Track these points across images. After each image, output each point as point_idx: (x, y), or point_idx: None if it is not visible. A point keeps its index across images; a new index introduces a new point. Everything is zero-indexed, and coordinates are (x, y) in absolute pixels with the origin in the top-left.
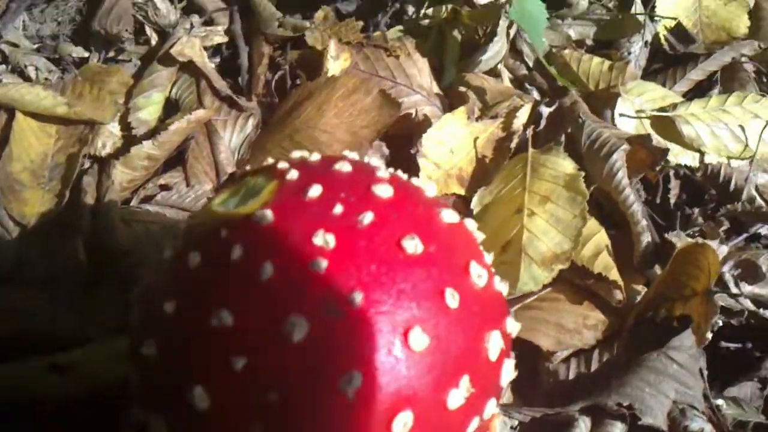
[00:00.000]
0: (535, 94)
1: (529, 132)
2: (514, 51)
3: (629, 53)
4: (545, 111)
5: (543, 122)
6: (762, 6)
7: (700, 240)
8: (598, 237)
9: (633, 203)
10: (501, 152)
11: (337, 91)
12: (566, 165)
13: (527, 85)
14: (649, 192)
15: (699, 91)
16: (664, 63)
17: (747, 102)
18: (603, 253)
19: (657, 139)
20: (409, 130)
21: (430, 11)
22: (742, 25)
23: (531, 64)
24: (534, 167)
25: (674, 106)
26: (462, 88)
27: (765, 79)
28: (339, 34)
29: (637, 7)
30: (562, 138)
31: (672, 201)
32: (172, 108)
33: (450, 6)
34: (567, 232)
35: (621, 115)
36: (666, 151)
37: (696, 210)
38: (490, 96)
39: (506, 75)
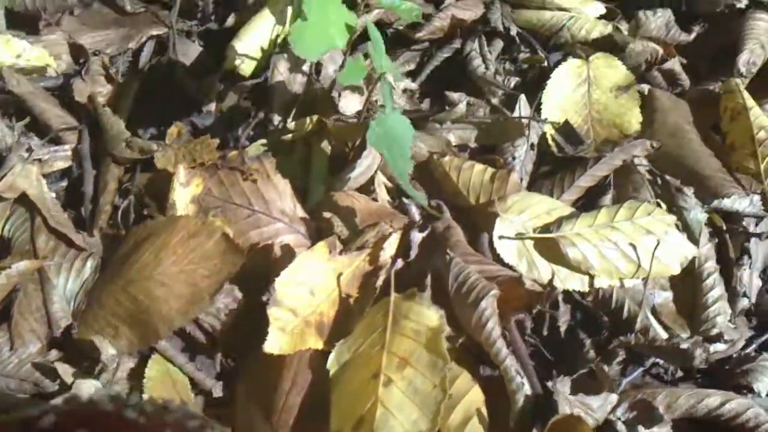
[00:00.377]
0: (414, 210)
1: (393, 270)
2: None
3: (514, 158)
4: (416, 238)
5: (413, 252)
6: (655, 96)
7: (577, 411)
8: (470, 397)
9: (505, 358)
10: (367, 291)
11: (177, 233)
12: (430, 316)
13: (404, 199)
14: (537, 320)
15: (592, 196)
16: (553, 165)
17: (638, 215)
18: (473, 420)
19: (539, 267)
20: (267, 266)
21: (295, 124)
22: (634, 120)
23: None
24: (396, 318)
25: (559, 223)
26: (327, 214)
27: (659, 181)
28: (193, 153)
29: (522, 106)
30: (428, 279)
31: (562, 329)
32: (4, 248)
33: (315, 117)
34: (425, 406)
35: (501, 237)
36: (541, 294)
37: (588, 341)
38: (361, 218)
39: (383, 188)
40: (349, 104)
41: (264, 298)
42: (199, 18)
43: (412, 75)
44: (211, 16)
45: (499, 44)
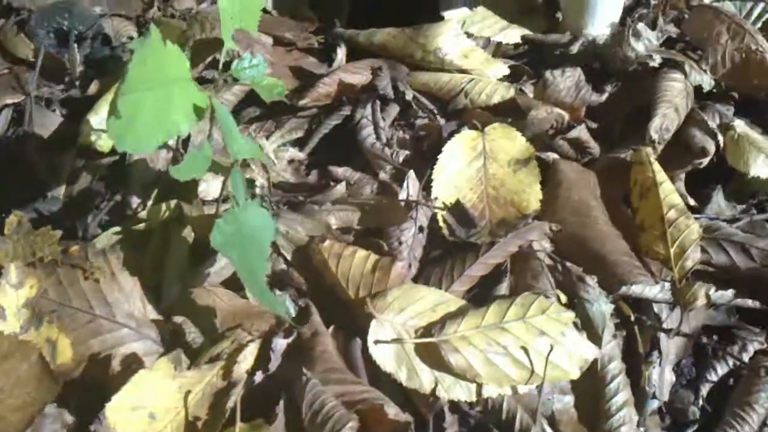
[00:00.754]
0: (289, 303)
1: (240, 393)
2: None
3: (400, 243)
4: (279, 346)
5: (274, 364)
6: (559, 168)
7: None
8: None
9: None
10: (216, 415)
11: None
12: None
13: (277, 291)
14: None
15: (488, 283)
16: (444, 250)
17: (532, 314)
18: None
19: (421, 375)
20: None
21: (150, 210)
22: (533, 198)
23: (289, 258)
24: None
25: (443, 323)
26: (178, 318)
27: (560, 267)
28: (33, 246)
29: (410, 184)
30: (281, 405)
31: None
32: None
33: (174, 202)
34: None
35: (376, 342)
36: (408, 424)
37: None
38: (222, 319)
39: None
40: (211, 188)
41: (92, 428)
42: (66, 82)
43: (299, 143)
44: (75, 81)
45: (394, 109)
